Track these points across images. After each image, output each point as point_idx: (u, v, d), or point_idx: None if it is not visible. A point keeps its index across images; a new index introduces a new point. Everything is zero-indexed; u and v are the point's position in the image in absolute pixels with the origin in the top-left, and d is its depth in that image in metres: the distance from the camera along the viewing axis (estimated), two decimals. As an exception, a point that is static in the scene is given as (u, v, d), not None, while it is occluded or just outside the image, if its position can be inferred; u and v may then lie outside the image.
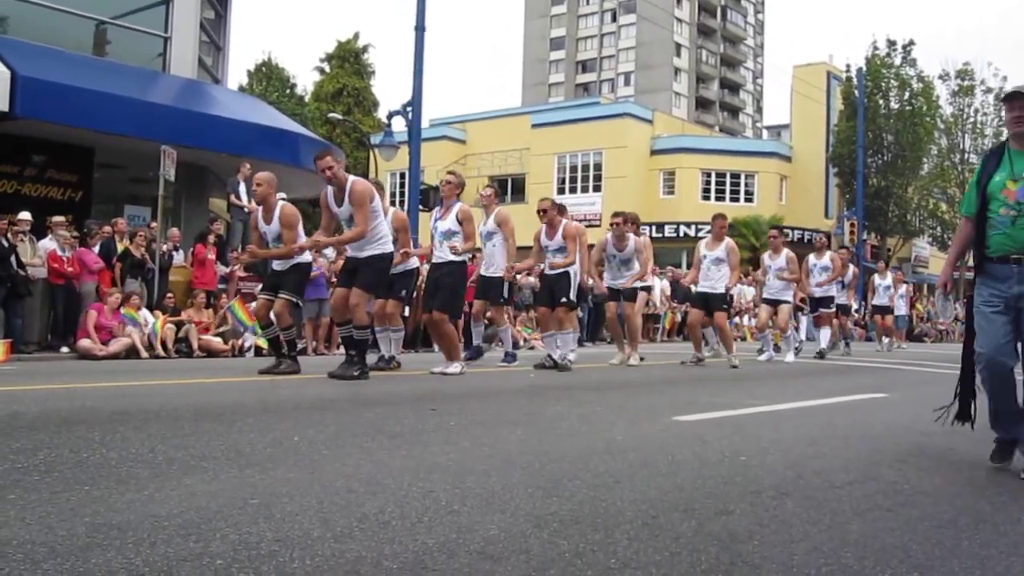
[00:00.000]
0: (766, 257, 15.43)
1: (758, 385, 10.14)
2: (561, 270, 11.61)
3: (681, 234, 43.86)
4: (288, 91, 53.23)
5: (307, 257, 9.92)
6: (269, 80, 52.89)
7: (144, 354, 13.66)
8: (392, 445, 4.95)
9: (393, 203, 43.19)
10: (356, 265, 9.30)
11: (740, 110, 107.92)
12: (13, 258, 13.10)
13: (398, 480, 3.92)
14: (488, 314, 12.80)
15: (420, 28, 22.16)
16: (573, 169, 48.73)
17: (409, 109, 22.75)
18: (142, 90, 17.37)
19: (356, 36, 54.14)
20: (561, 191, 46.85)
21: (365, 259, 9.22)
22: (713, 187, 47.29)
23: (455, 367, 10.04)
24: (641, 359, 13.36)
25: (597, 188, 47.11)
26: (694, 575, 2.79)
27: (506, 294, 12.42)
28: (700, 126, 71.49)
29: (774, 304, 15.23)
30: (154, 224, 16.12)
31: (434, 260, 10.41)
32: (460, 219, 10.21)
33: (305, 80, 58.21)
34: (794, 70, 52.49)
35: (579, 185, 48.01)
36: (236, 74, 66.28)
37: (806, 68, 52.04)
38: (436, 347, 13.99)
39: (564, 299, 11.67)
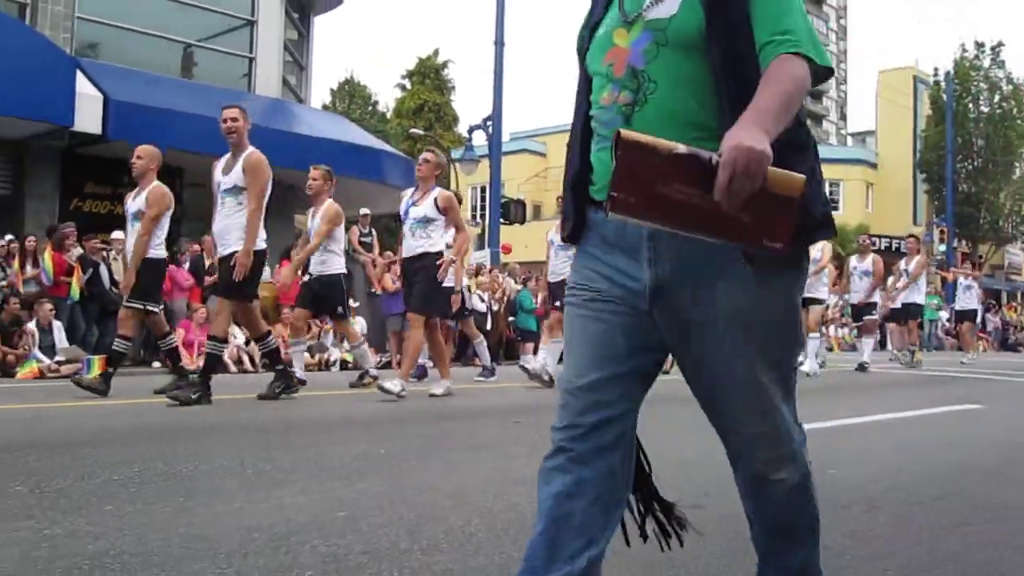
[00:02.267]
0: (853, 259, 14.99)
1: (842, 396, 9.95)
2: (565, 276, 10.10)
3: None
4: (370, 108, 53.89)
5: (159, 253, 8.55)
6: (351, 98, 53.63)
7: (232, 369, 13.91)
8: (476, 458, 4.97)
9: (474, 216, 43.57)
10: (223, 266, 8.10)
11: (823, 117, 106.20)
12: (106, 276, 13.47)
13: (483, 493, 3.92)
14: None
15: (499, 43, 22.27)
16: (653, 179, 48.43)
17: (489, 123, 22.86)
18: (228, 110, 17.70)
19: (436, 52, 54.54)
20: (641, 202, 46.59)
21: (227, 257, 7.95)
22: (797, 196, 46.56)
23: (396, 384, 8.27)
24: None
25: (678, 199, 46.73)
26: (784, 590, 2.74)
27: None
28: (783, 134, 70.53)
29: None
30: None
31: (405, 253, 9.06)
32: (442, 207, 8.90)
33: (387, 97, 59.14)
34: (879, 75, 51.64)
35: (659, 196, 47.65)
36: (319, 93, 67.40)
37: (892, 73, 51.12)
38: (482, 360, 12.31)
39: (558, 303, 9.99)
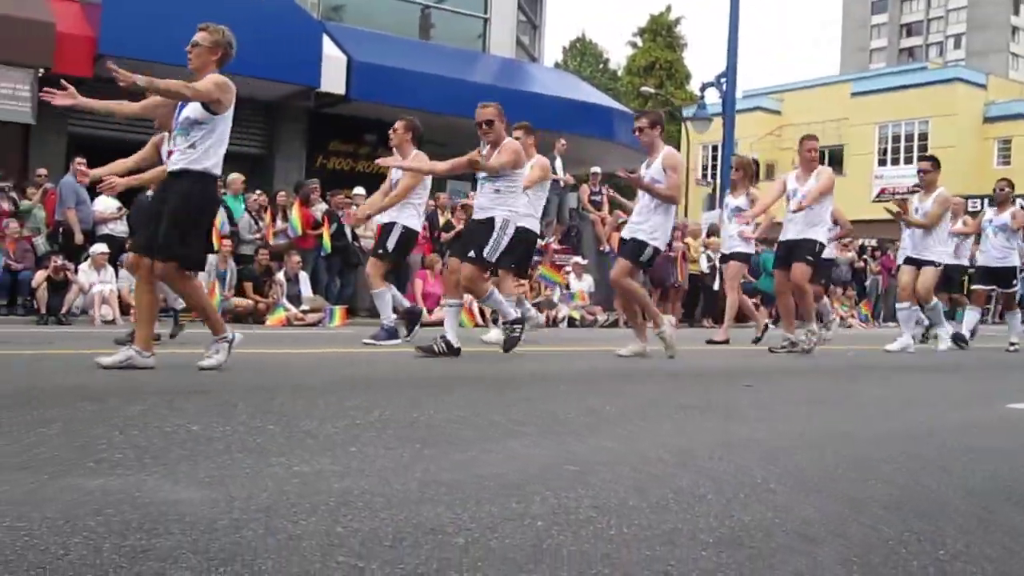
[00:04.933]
0: (990, 211, 12.81)
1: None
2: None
3: (1019, 207, 40.52)
4: (601, 66, 53.94)
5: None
6: (583, 56, 53.82)
7: (466, 323, 14.32)
8: (704, 419, 4.93)
9: (704, 175, 42.87)
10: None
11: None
12: (348, 231, 14.16)
13: (711, 454, 3.89)
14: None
15: (735, -3, 21.71)
16: (895, 139, 46.18)
17: (723, 80, 22.37)
18: (464, 70, 18.14)
19: (668, 9, 53.93)
20: (882, 162, 44.79)
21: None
22: (1058, 155, 43.37)
23: (124, 353, 5.95)
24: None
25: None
26: (1033, 573, 2.60)
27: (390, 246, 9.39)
28: (1042, 89, 65.70)
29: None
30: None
31: (171, 165, 6.19)
32: (212, 97, 5.93)
33: (618, 55, 59.09)
34: None
35: (902, 156, 45.38)
36: (552, 51, 67.87)
37: None
38: (627, 320, 10.69)
39: (472, 253, 7.93)
